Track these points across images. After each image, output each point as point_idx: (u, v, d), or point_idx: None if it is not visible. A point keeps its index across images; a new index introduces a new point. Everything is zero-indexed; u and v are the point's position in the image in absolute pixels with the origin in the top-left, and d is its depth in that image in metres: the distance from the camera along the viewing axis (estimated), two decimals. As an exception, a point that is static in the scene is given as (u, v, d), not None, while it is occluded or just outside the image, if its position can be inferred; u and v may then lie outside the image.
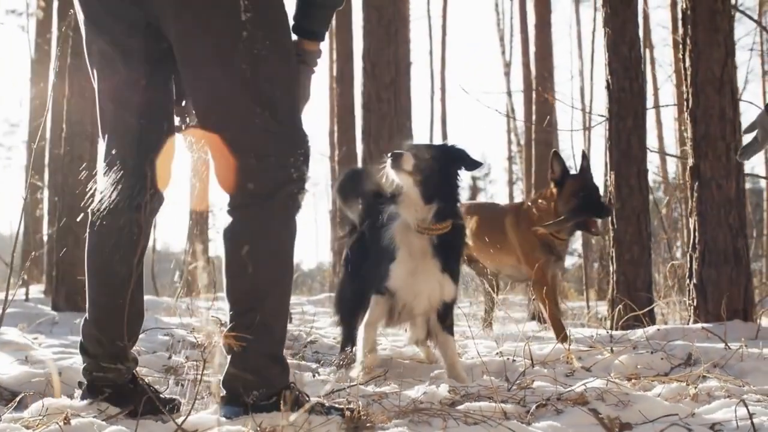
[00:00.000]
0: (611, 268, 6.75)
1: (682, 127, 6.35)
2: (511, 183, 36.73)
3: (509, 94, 30.55)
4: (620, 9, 6.73)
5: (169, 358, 4.81)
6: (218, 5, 2.96)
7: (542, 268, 5.80)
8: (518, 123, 31.25)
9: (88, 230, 3.26)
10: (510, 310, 7.99)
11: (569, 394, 3.59)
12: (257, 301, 3.02)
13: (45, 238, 14.29)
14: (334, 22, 18.52)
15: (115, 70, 3.13)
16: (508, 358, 4.77)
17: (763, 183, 27.15)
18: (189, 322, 6.96)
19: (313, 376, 4.51)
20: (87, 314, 3.29)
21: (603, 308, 10.21)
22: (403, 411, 3.30)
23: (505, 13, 32.24)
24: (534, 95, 15.35)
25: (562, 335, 5.66)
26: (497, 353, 5.12)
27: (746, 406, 3.03)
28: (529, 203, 6.14)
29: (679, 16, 6.24)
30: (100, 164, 3.25)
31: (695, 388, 3.80)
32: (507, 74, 31.23)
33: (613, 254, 6.72)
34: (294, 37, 3.22)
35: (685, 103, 6.15)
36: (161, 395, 3.49)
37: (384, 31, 10.17)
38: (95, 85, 3.20)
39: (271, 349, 3.08)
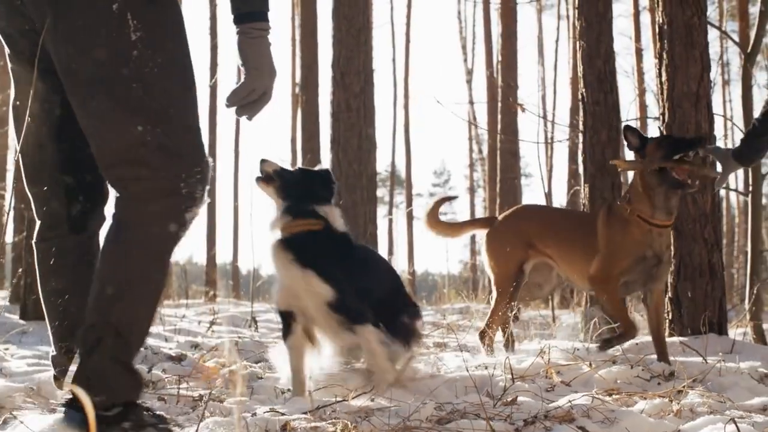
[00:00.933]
0: (584, 282, 6.75)
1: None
2: (472, 191, 36.87)
3: (471, 102, 30.70)
4: (595, 22, 6.77)
5: (149, 371, 4.75)
6: (102, 24, 2.87)
7: (612, 274, 5.29)
8: (480, 131, 31.43)
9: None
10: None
11: (556, 411, 3.58)
12: (110, 305, 2.87)
13: (9, 246, 14.13)
14: (298, 31, 18.51)
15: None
16: (492, 373, 4.75)
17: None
18: (159, 332, 6.90)
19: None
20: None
21: (568, 318, 10.26)
22: (393, 429, 3.27)
23: (467, 21, 32.31)
24: (499, 104, 15.38)
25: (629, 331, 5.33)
26: (476, 366, 5.10)
27: (736, 424, 3.05)
28: (619, 202, 5.46)
29: (656, 30, 6.27)
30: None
31: (678, 403, 3.81)
32: (469, 82, 31.36)
33: (586, 267, 6.73)
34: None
35: (661, 117, 6.18)
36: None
37: (354, 40, 10.18)
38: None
39: (120, 356, 2.89)
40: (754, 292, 6.65)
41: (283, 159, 28.02)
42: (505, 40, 15.24)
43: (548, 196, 16.62)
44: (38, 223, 3.37)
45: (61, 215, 3.31)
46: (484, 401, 3.84)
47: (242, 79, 3.10)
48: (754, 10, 20.65)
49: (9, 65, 3.25)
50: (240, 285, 23.27)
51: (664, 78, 6.14)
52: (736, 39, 11.99)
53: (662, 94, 6.19)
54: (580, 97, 6.87)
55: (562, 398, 4.01)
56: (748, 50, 7.08)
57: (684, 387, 4.18)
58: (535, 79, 28.93)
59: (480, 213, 39.10)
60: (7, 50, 3.21)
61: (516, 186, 15.03)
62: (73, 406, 2.86)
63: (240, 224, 29.43)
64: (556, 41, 26.88)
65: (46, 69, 3.05)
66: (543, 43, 32.79)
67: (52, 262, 3.31)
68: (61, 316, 3.33)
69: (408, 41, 29.30)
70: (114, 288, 2.89)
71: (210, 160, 3.04)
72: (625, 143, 5.28)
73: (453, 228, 6.30)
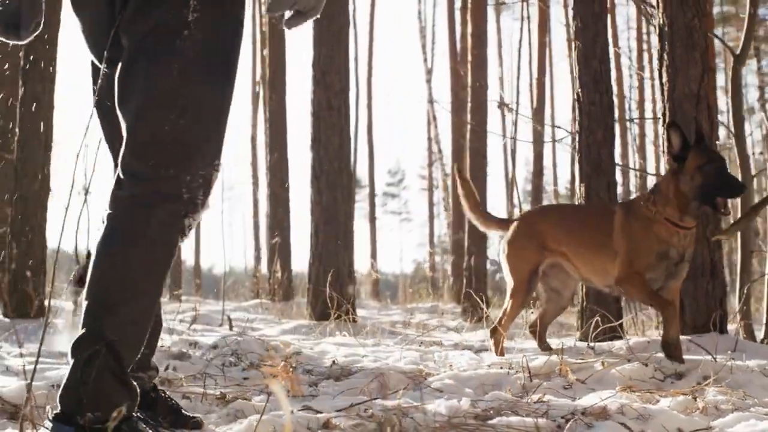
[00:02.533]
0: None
1: (658, 140, 6.37)
2: (430, 189, 36.92)
3: (431, 101, 30.79)
4: (591, 23, 6.80)
5: (166, 369, 4.73)
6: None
7: (638, 270, 5.23)
8: (440, 130, 31.54)
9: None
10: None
11: (592, 408, 3.61)
12: (104, 316, 2.71)
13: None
14: (267, 28, 18.41)
15: None
16: (507, 371, 4.77)
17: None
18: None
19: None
20: None
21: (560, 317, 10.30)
22: (439, 427, 3.28)
23: (427, 20, 32.34)
24: (469, 103, 15.40)
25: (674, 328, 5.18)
26: (488, 365, 5.13)
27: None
28: (642, 201, 5.37)
29: (656, 31, 6.32)
30: None
31: (702, 400, 3.85)
32: (429, 81, 31.41)
33: (583, 266, 6.77)
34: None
35: (662, 118, 6.24)
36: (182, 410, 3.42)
37: (335, 38, 10.18)
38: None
39: (115, 369, 2.71)
40: (745, 291, 6.73)
41: (244, 158, 28.07)
42: (475, 39, 15.24)
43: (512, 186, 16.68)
44: None
45: None
46: (510, 399, 3.87)
47: None
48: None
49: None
50: (202, 284, 23.13)
51: (664, 79, 6.20)
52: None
53: (663, 95, 6.25)
54: (575, 96, 6.90)
55: (586, 396, 4.05)
56: (737, 52, 7.16)
57: (706, 384, 4.23)
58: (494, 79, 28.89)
59: (439, 212, 39.22)
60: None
61: (485, 185, 15.04)
62: (63, 419, 2.69)
63: (201, 224, 29.28)
64: (520, 41, 26.95)
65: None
66: (502, 43, 33.05)
67: None
68: None
69: (371, 40, 29.40)
70: (107, 299, 2.74)
71: (220, 164, 2.89)
72: (666, 142, 5.30)
73: (488, 221, 6.23)
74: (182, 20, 2.76)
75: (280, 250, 16.65)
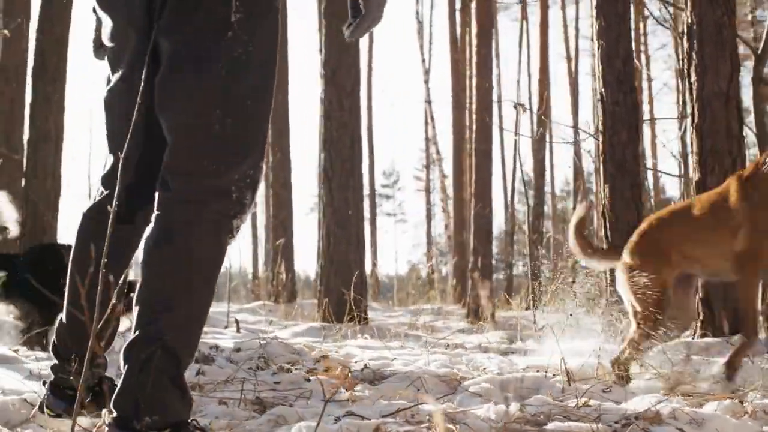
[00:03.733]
0: (605, 281, 6.73)
1: (690, 140, 6.31)
2: (427, 191, 36.85)
3: (429, 102, 30.72)
4: (614, 23, 6.74)
5: (197, 374, 4.64)
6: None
7: (758, 241, 4.71)
8: (438, 131, 31.54)
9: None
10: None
11: (645, 412, 3.54)
12: (159, 318, 2.68)
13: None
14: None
15: None
16: (545, 374, 4.69)
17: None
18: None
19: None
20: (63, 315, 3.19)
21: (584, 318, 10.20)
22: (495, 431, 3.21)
23: (424, 21, 32.27)
24: (474, 104, 15.34)
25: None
26: (523, 369, 5.05)
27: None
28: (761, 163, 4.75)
29: (684, 30, 6.26)
30: None
31: (750, 405, 3.78)
32: (427, 82, 31.30)
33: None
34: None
35: (690, 118, 6.17)
36: None
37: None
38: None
39: (171, 372, 2.68)
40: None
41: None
42: (480, 40, 15.16)
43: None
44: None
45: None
46: (557, 403, 3.80)
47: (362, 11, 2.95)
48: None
49: None
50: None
51: (693, 78, 6.13)
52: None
53: (691, 93, 6.17)
54: (599, 97, 6.85)
55: (631, 400, 3.98)
56: (759, 52, 7.10)
57: (753, 389, 4.16)
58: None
59: (436, 214, 39.13)
60: None
61: (490, 187, 14.97)
62: (120, 425, 2.65)
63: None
64: (519, 42, 26.96)
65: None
66: (499, 44, 33.04)
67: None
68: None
69: (371, 42, 29.36)
70: (162, 300, 2.71)
71: (263, 167, 2.87)
72: None
73: (597, 253, 5.56)
74: (225, 21, 2.75)
75: (283, 252, 16.55)
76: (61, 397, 3.19)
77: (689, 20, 6.18)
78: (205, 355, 5.48)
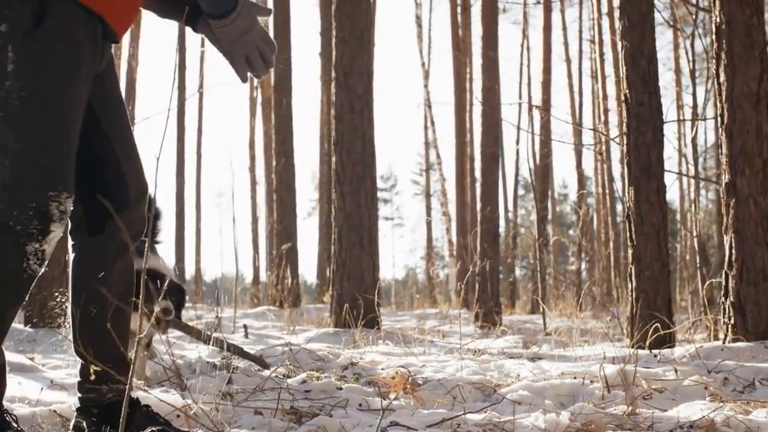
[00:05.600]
0: (630, 285, 6.65)
1: (719, 142, 6.22)
2: (427, 195, 36.74)
3: (429, 105, 30.65)
4: (638, 22, 6.64)
5: (228, 383, 4.53)
6: None
7: None
8: (438, 135, 31.46)
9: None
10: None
11: (700, 421, 3.45)
12: None
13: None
14: (272, 30, 18.27)
15: None
16: (582, 381, 4.59)
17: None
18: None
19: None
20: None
21: (557, 324, 10.14)
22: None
23: (423, 24, 32.15)
24: (480, 107, 15.25)
25: None
26: (557, 376, 4.95)
27: None
28: None
29: (713, 30, 6.17)
30: None
31: (799, 412, 3.70)
32: (426, 85, 31.21)
33: (633, 271, 6.62)
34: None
35: (720, 119, 6.07)
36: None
37: (357, 40, 9.97)
38: None
39: None
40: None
41: (242, 164, 27.90)
42: (485, 42, 15.07)
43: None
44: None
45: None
46: (603, 411, 3.70)
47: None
48: None
49: None
50: (202, 292, 22.97)
51: (722, 78, 6.03)
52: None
53: (720, 94, 6.07)
54: (623, 98, 6.75)
55: (676, 407, 3.88)
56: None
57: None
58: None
59: (435, 218, 39.08)
60: None
61: (497, 190, 14.88)
62: None
63: (202, 233, 29.39)
64: (521, 44, 26.96)
65: None
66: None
67: None
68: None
69: (373, 45, 29.25)
70: None
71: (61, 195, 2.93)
72: None
73: None
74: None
75: (288, 256, 16.44)
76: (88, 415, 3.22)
77: (717, 20, 6.08)
78: (226, 362, 5.40)
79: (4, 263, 2.88)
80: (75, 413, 3.23)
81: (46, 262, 2.96)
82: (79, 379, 3.26)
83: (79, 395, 3.25)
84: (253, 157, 28.37)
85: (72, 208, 2.99)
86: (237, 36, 3.10)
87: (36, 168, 2.89)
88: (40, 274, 2.96)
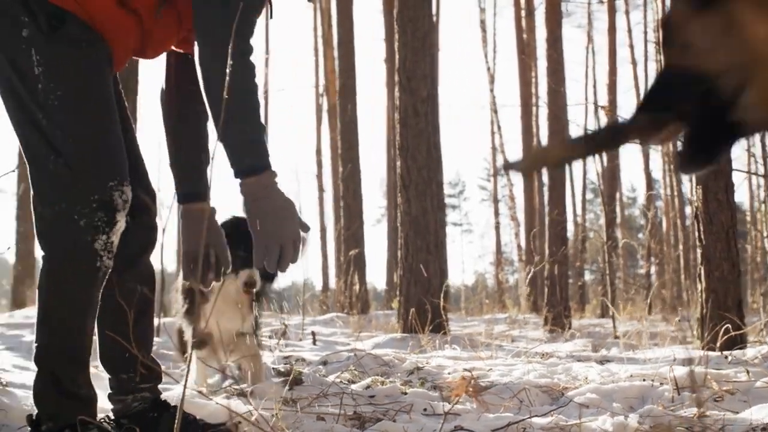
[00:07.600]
0: (699, 286, 6.52)
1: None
2: (495, 200, 36.55)
3: (495, 110, 30.54)
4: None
5: (290, 388, 4.51)
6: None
7: None
8: (504, 139, 31.32)
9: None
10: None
11: (774, 424, 3.36)
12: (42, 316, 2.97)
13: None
14: (336, 37, 18.32)
15: None
16: (651, 383, 4.49)
17: None
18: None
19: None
20: None
21: (626, 327, 9.98)
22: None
23: (488, 29, 31.99)
24: (546, 109, 15.13)
25: None
26: (629, 376, 4.85)
27: None
28: None
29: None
30: None
31: None
32: (492, 90, 31.09)
33: (702, 271, 6.49)
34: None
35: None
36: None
37: (420, 44, 9.93)
38: None
39: (51, 372, 2.97)
40: None
41: (310, 171, 27.97)
42: (550, 45, 14.93)
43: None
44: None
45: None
46: (672, 414, 3.62)
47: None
48: None
49: None
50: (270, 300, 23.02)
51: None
52: None
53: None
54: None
55: (748, 410, 3.78)
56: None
57: None
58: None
59: (504, 223, 38.81)
60: None
61: (563, 192, 14.72)
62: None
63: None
64: (586, 48, 26.76)
65: None
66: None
67: None
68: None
69: (436, 49, 29.17)
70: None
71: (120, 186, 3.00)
72: None
73: None
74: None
75: (356, 263, 16.44)
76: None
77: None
78: (287, 368, 5.39)
79: (77, 263, 2.91)
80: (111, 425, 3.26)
81: (114, 255, 2.98)
82: (110, 391, 3.32)
83: (111, 407, 3.32)
84: (320, 164, 28.47)
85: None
86: (272, 214, 3.02)
87: (92, 161, 2.93)
88: (111, 269, 2.99)
